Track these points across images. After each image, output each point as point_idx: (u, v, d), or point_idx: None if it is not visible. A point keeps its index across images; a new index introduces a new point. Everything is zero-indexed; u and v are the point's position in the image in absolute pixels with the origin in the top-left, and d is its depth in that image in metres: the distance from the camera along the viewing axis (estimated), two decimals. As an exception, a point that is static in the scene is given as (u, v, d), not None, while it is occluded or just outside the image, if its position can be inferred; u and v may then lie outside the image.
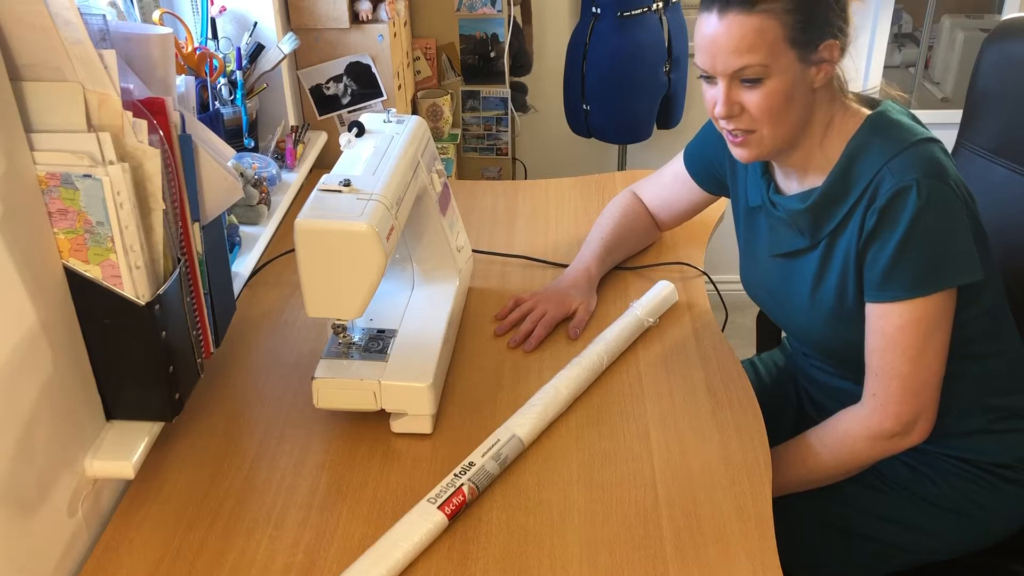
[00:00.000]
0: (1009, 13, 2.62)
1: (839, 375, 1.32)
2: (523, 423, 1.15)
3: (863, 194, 1.13)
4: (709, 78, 1.14)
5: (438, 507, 1.03)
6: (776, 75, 1.09)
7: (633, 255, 1.56)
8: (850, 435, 1.21)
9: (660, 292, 1.40)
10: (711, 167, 1.42)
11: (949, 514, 1.27)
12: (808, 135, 1.17)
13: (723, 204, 1.63)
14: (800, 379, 1.46)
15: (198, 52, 1.57)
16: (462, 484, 1.06)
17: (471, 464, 1.09)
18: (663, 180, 1.52)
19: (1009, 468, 1.26)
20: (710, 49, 1.10)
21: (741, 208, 1.36)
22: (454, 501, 1.04)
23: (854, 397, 1.22)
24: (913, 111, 1.22)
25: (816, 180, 1.20)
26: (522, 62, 2.44)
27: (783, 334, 1.64)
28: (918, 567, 1.32)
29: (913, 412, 1.16)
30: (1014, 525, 1.29)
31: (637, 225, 1.53)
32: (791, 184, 1.24)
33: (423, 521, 1.02)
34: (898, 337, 1.13)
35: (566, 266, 1.53)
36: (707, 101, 1.16)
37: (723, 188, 1.43)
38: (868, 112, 1.18)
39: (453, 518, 1.04)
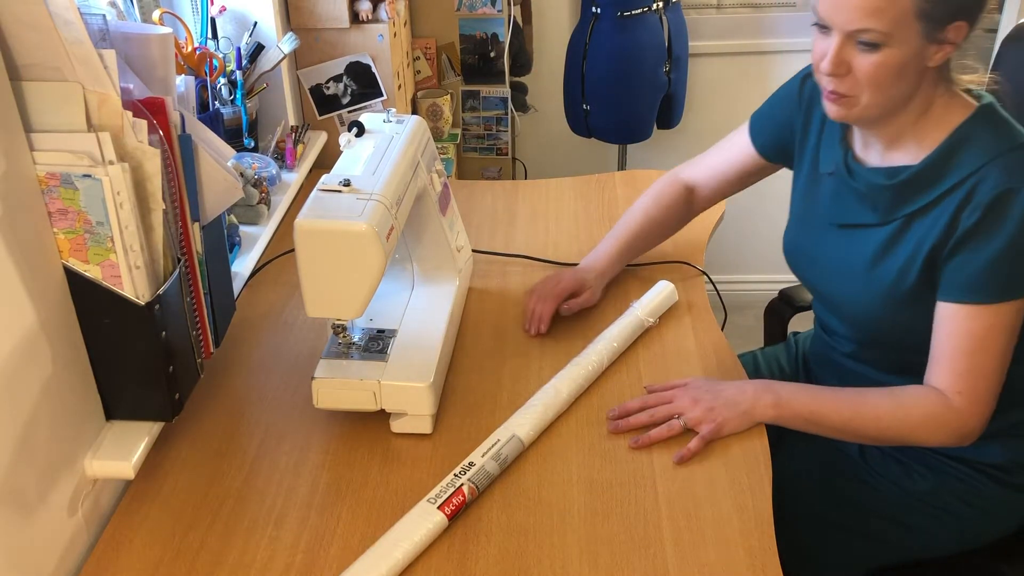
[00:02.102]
0: (1009, 13, 2.62)
1: (864, 359, 1.30)
2: (523, 423, 1.15)
3: (958, 185, 1.11)
4: (823, 28, 1.10)
5: (438, 507, 1.03)
6: (894, 46, 1.05)
7: (660, 243, 1.53)
8: (929, 422, 1.15)
9: (660, 292, 1.40)
10: (779, 131, 1.37)
11: (939, 512, 1.27)
12: (905, 111, 1.14)
13: (723, 205, 1.63)
14: (816, 369, 1.44)
15: (198, 52, 1.57)
16: (462, 484, 1.06)
17: (471, 464, 1.09)
18: (719, 149, 1.47)
19: (1005, 471, 1.26)
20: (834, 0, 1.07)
21: (805, 173, 1.33)
22: (454, 501, 1.04)
23: (875, 385, 1.20)
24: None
25: (902, 158, 1.17)
26: (522, 62, 2.44)
27: (789, 330, 1.64)
28: (905, 564, 1.32)
29: (991, 411, 1.14)
30: (1004, 528, 1.29)
31: (667, 215, 1.49)
32: (870, 155, 1.22)
33: (423, 521, 1.02)
34: (988, 339, 1.11)
35: (566, 265, 1.53)
36: (815, 52, 1.12)
37: (784, 156, 1.38)
38: (974, 102, 1.15)
39: (453, 518, 1.04)
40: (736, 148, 1.44)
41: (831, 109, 1.15)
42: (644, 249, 1.51)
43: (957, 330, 1.13)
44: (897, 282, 1.18)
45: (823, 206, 1.28)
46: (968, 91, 1.17)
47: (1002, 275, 1.09)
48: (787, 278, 1.45)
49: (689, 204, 1.51)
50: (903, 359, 1.23)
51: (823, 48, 1.11)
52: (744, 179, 1.47)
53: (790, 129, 1.35)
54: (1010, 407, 1.20)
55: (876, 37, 1.05)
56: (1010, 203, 1.07)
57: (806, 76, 1.33)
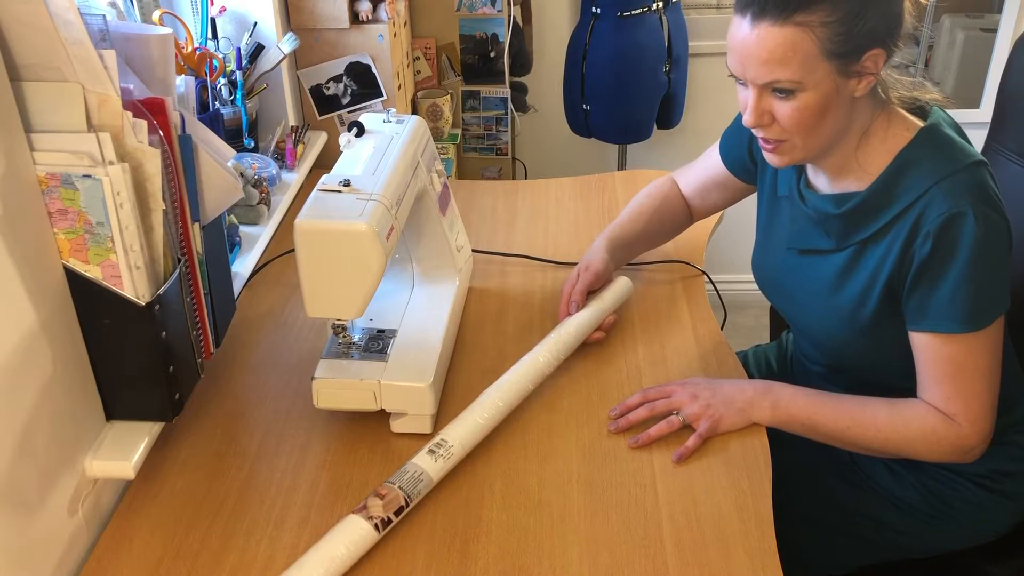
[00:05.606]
0: (1009, 13, 2.62)
1: (835, 381, 1.31)
2: (455, 437, 1.11)
3: (907, 210, 1.10)
4: (741, 81, 1.10)
5: (366, 519, 1.00)
6: (810, 89, 1.05)
7: (658, 245, 1.53)
8: (928, 436, 1.13)
9: (616, 286, 1.38)
10: (741, 151, 1.37)
11: (928, 518, 1.27)
12: (845, 142, 1.13)
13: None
14: (796, 383, 1.45)
15: (198, 52, 1.57)
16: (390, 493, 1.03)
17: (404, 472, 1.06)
18: (700, 165, 1.47)
19: (989, 478, 1.25)
20: (740, 56, 1.06)
21: (766, 195, 1.33)
22: (382, 513, 1.01)
23: None
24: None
25: (850, 184, 1.16)
26: (522, 62, 2.44)
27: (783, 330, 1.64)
28: (892, 563, 1.33)
29: (991, 427, 1.13)
30: (992, 531, 1.29)
31: (663, 214, 1.47)
32: (821, 181, 1.21)
33: (350, 533, 0.99)
34: (969, 362, 1.10)
35: (566, 265, 1.53)
36: (740, 103, 1.12)
37: (753, 176, 1.38)
38: (918, 122, 1.13)
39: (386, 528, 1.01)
40: (713, 169, 1.43)
41: (771, 159, 1.15)
42: (640, 251, 1.50)
43: (936, 357, 1.12)
44: (857, 308, 1.18)
45: (783, 228, 1.28)
46: (921, 108, 1.15)
47: (967, 304, 1.08)
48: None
49: (688, 216, 1.51)
50: (873, 382, 1.22)
51: (744, 100, 1.10)
52: (726, 199, 1.46)
53: (749, 149, 1.35)
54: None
55: (789, 85, 1.05)
56: (958, 228, 1.06)
57: None
